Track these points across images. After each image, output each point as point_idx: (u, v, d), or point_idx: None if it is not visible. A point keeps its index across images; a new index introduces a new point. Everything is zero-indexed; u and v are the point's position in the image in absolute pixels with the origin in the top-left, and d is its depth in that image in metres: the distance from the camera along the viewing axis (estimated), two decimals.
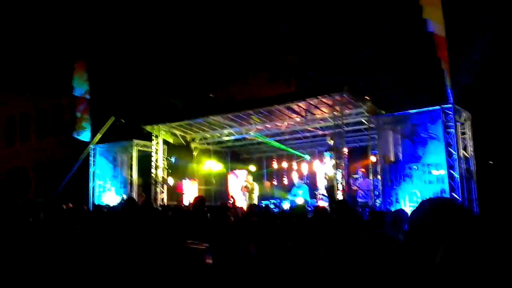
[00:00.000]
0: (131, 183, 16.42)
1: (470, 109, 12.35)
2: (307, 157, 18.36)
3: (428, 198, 1.96)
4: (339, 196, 12.14)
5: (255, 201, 15.54)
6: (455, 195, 10.86)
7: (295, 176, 17.94)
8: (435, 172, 11.16)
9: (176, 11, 21.40)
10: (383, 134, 12.24)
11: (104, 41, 21.19)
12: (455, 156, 11.06)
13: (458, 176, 10.96)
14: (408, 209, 10.97)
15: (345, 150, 13.42)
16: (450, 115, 11.19)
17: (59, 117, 25.06)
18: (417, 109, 11.74)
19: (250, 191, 15.88)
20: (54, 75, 22.72)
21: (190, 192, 16.94)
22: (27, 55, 24.76)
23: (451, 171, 11.00)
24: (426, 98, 11.56)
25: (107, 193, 16.66)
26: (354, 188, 14.11)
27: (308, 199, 15.11)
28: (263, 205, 13.02)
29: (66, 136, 20.73)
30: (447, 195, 10.81)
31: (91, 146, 17.40)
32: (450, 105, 11.18)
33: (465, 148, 11.93)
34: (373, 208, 11.83)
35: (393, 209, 10.87)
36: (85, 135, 17.46)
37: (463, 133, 12.13)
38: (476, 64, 14.18)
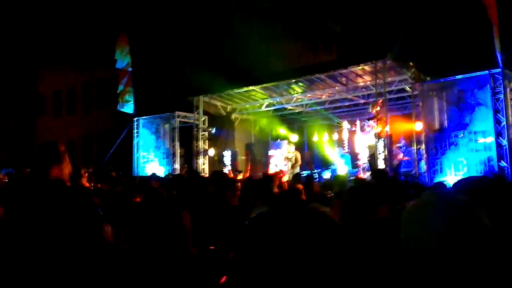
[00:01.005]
0: (173, 154, 16.70)
1: None
2: (349, 126, 18.12)
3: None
4: (381, 165, 11.95)
5: (298, 170, 15.52)
6: (503, 163, 10.50)
7: (337, 146, 17.77)
8: (482, 140, 10.81)
9: None
10: (427, 101, 11.91)
11: (145, 14, 21.33)
12: (504, 123, 10.66)
13: (507, 144, 10.57)
14: (454, 178, 10.73)
15: (388, 118, 13.14)
16: (499, 80, 10.74)
17: (103, 90, 25.61)
18: (464, 75, 11.33)
19: (293, 161, 15.85)
20: (97, 49, 23.16)
21: (232, 163, 17.08)
22: (71, 30, 25.28)
23: (499, 139, 10.62)
24: (473, 63, 11.10)
25: (151, 163, 17.03)
26: (399, 157, 13.83)
27: (350, 168, 14.99)
28: (305, 175, 12.99)
29: (111, 108, 21.23)
30: (494, 163, 10.48)
31: (135, 118, 17.73)
32: (499, 70, 10.72)
33: None
34: (416, 178, 11.63)
35: (438, 178, 10.66)
36: (128, 107, 17.80)
37: None
38: None
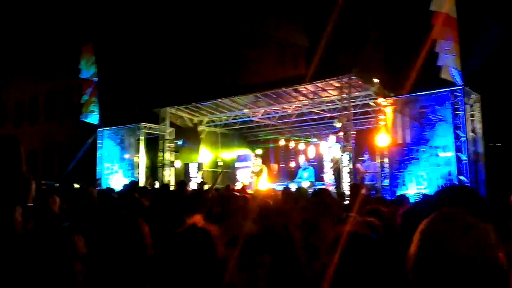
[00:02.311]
0: (138, 166, 16.48)
1: (480, 91, 12.19)
2: (314, 139, 18.30)
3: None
4: (346, 179, 12.09)
5: (263, 184, 15.53)
6: (462, 178, 10.79)
7: (302, 159, 17.88)
8: (442, 155, 11.09)
9: None
10: (390, 116, 12.14)
11: (111, 25, 21.14)
12: (463, 139, 10.97)
13: (466, 159, 10.87)
14: (415, 191, 10.94)
15: (353, 132, 13.33)
16: (459, 97, 11.07)
17: (67, 100, 25.14)
18: (426, 91, 11.63)
19: (259, 175, 15.84)
20: (62, 58, 22.77)
21: (196, 174, 16.96)
22: (36, 39, 24.81)
23: (459, 153, 10.91)
24: (434, 81, 11.42)
25: (115, 175, 16.74)
26: (362, 171, 14.05)
27: (314, 181, 15.07)
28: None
29: (74, 119, 20.84)
30: (454, 177, 10.75)
31: (99, 129, 17.44)
32: (459, 87, 11.05)
33: (473, 131, 11.80)
34: (379, 191, 11.81)
35: (399, 192, 10.85)
36: (93, 118, 17.50)
37: (472, 115, 11.98)
38: (486, 46, 13.97)
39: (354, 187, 7.79)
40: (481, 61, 13.51)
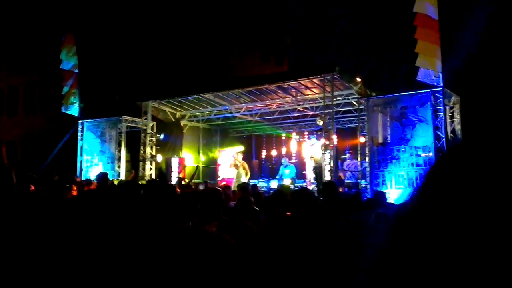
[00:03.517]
0: (119, 159, 16.36)
1: (460, 93, 12.40)
2: (296, 137, 18.42)
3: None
4: (327, 177, 12.19)
5: (244, 180, 15.56)
6: None
7: (283, 156, 17.97)
8: (423, 155, 11.25)
9: None
10: (372, 116, 12.28)
11: (93, 14, 20.88)
12: (443, 140, 11.15)
13: None
14: (395, 190, 11.10)
15: (334, 131, 13.43)
16: (440, 99, 11.24)
17: (47, 91, 24.75)
18: (407, 92, 11.78)
19: (241, 170, 15.85)
20: (43, 48, 22.42)
21: (177, 169, 16.91)
22: (16, 28, 24.38)
23: (439, 154, 11.08)
24: (416, 81, 11.56)
25: (95, 168, 16.58)
26: (344, 170, 14.23)
27: (295, 178, 15.17)
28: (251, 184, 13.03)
29: (54, 110, 20.57)
30: None
31: (79, 121, 17.25)
32: (440, 89, 11.21)
33: (453, 132, 12.00)
34: (360, 190, 11.93)
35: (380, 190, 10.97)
36: (73, 110, 17.29)
37: (452, 117, 12.19)
38: (466, 48, 14.20)
39: (328, 185, 7.67)
40: (462, 63, 13.73)
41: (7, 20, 24.60)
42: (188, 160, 17.49)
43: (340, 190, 11.18)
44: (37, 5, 23.44)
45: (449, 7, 12.66)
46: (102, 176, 8.40)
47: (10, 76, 26.62)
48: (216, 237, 2.63)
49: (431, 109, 11.27)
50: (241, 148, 18.34)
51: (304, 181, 15.13)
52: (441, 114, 11.26)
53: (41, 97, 25.62)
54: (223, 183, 14.78)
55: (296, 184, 14.36)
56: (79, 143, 17.17)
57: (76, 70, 17.34)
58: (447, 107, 11.79)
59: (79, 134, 17.24)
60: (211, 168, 18.64)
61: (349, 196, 7.18)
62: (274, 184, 15.15)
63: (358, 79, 12.73)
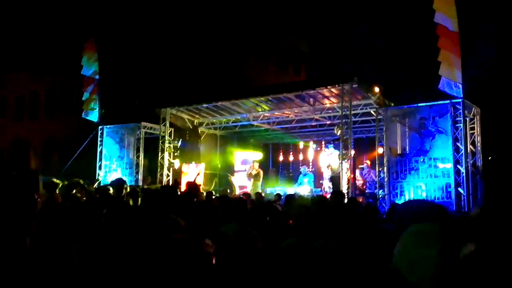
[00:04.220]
0: (137, 165, 16.51)
1: (480, 104, 12.27)
2: (314, 146, 18.40)
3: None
4: (345, 187, 12.14)
5: (260, 189, 15.60)
6: (460, 190, 10.86)
7: (301, 165, 17.97)
8: (441, 166, 11.15)
9: None
10: (390, 126, 12.21)
11: (114, 21, 21.18)
12: (462, 151, 11.04)
13: (464, 171, 10.94)
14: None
15: (352, 140, 13.38)
16: (459, 110, 11.14)
17: (68, 96, 25.13)
18: (426, 103, 11.70)
19: (256, 178, 15.90)
20: (64, 54, 22.79)
21: (195, 176, 16.99)
22: (37, 35, 24.80)
23: (458, 166, 10.98)
24: (435, 92, 11.48)
25: (113, 173, 16.76)
26: (360, 180, 14.12)
27: (313, 187, 15.15)
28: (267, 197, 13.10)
29: (75, 115, 20.85)
30: (452, 189, 10.81)
31: (99, 126, 17.46)
32: (459, 100, 11.12)
33: (473, 143, 11.86)
34: (377, 200, 11.86)
35: (397, 201, 10.91)
36: (93, 115, 17.52)
37: (472, 128, 12.05)
38: (487, 59, 14.08)
39: (337, 195, 7.58)
40: (482, 74, 13.61)
41: (29, 27, 25.07)
42: (205, 167, 17.57)
43: (361, 200, 11.17)
44: (59, 12, 23.85)
45: (469, 18, 12.59)
46: (119, 183, 8.43)
47: (31, 82, 27.09)
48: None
49: (450, 120, 11.18)
50: (259, 155, 18.39)
51: (321, 191, 15.09)
52: (461, 126, 11.16)
53: (62, 102, 26.02)
54: (244, 190, 14.89)
55: (314, 193, 14.33)
56: (99, 148, 17.37)
57: (97, 77, 17.57)
58: (467, 119, 11.67)
59: (99, 139, 17.44)
60: (228, 176, 18.66)
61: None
62: (291, 192, 15.13)
63: (377, 89, 12.69)
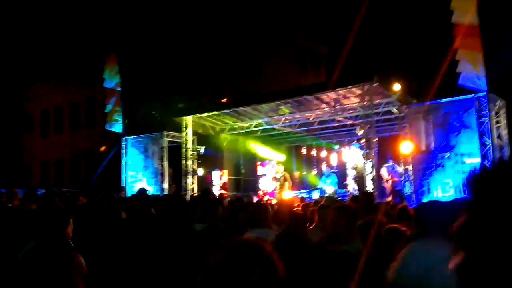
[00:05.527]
0: (162, 174, 16.66)
1: (505, 96, 12.03)
2: (336, 146, 18.30)
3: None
4: (369, 186, 12.04)
5: (287, 191, 15.59)
6: None
7: (324, 166, 17.91)
8: (468, 161, 10.96)
9: (205, 3, 21.50)
10: (414, 123, 12.08)
11: (135, 34, 21.47)
12: (489, 146, 10.84)
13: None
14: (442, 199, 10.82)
15: (375, 139, 13.26)
16: (484, 104, 10.95)
17: (91, 109, 25.56)
18: (449, 98, 11.53)
19: (282, 181, 15.91)
20: (86, 68, 23.19)
21: (219, 182, 17.08)
22: (60, 49, 25.29)
23: (485, 160, 10.78)
24: (458, 87, 11.30)
25: (139, 183, 16.93)
26: (388, 178, 13.90)
27: (337, 188, 15.07)
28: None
29: (99, 127, 21.18)
30: None
31: (123, 138, 17.70)
32: (483, 93, 10.93)
33: (499, 137, 11.64)
34: (404, 199, 11.72)
35: (424, 199, 10.77)
36: (117, 127, 17.77)
37: (498, 122, 11.82)
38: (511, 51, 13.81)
39: (365, 195, 7.54)
40: (507, 67, 13.36)
41: (51, 42, 25.58)
42: (228, 172, 17.65)
43: (390, 199, 11.06)
44: (81, 26, 24.29)
45: (490, 10, 12.38)
46: (142, 192, 8.59)
47: (55, 96, 27.62)
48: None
49: (475, 114, 11.00)
50: (281, 157, 18.33)
51: (346, 191, 14.99)
52: (486, 119, 10.96)
53: (86, 115, 26.46)
54: (266, 197, 14.91)
55: (338, 194, 14.25)
56: (123, 159, 17.60)
57: (119, 88, 17.83)
58: (493, 112, 11.45)
59: (123, 150, 17.67)
60: (251, 180, 18.70)
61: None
62: (316, 195, 15.07)
63: (398, 87, 12.56)
